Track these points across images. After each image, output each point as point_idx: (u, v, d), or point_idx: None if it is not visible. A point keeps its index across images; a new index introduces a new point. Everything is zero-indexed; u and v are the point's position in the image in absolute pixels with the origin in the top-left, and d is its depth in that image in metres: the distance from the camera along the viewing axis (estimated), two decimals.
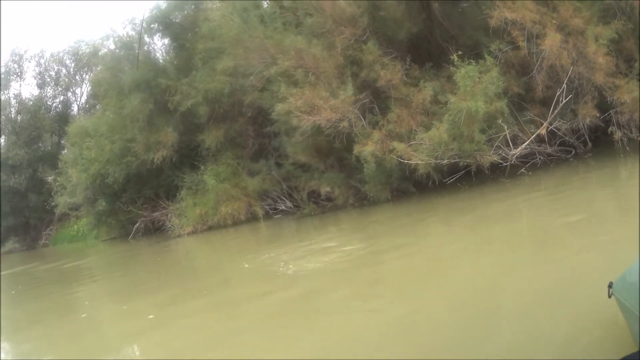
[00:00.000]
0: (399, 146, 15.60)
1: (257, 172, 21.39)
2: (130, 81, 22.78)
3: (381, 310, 7.24)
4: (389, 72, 16.53)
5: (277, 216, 20.74)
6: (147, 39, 24.79)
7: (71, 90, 45.61)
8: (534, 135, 15.55)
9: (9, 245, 43.86)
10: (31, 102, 44.21)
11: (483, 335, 5.54)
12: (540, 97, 16.00)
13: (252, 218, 20.88)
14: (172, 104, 21.60)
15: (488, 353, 5.07)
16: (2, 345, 9.45)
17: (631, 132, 15.11)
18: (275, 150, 21.43)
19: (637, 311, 3.68)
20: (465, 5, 19.58)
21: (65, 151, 36.08)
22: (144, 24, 24.04)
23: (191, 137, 22.93)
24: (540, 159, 15.97)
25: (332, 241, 13.17)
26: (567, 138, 16.03)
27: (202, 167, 21.83)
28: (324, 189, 18.64)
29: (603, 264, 6.51)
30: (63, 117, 42.77)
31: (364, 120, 16.73)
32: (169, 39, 23.94)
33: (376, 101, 17.16)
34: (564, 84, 15.01)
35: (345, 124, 16.28)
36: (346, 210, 18.13)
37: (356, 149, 16.17)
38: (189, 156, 23.25)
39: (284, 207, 20.71)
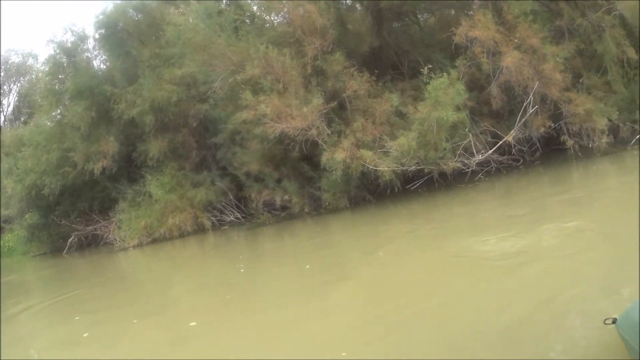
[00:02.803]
0: (367, 154, 16.54)
1: (200, 184, 21.37)
2: (73, 88, 22.18)
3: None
4: (356, 83, 17.46)
5: (224, 227, 20.86)
6: (89, 46, 24.12)
7: None
8: (502, 142, 17.09)
9: None
10: None
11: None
12: (492, 110, 17.59)
13: (199, 230, 20.78)
14: (117, 112, 21.36)
15: None
16: None
17: (582, 140, 16.92)
18: (217, 161, 21.61)
19: (638, 347, 3.88)
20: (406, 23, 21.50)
21: None
22: (84, 30, 23.87)
23: (130, 148, 22.71)
24: (494, 166, 17.41)
25: None
26: (519, 147, 17.55)
27: (148, 177, 21.50)
28: (280, 198, 18.99)
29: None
30: None
31: (329, 129, 17.43)
32: (113, 45, 23.31)
33: (339, 111, 17.99)
34: (531, 96, 16.70)
35: (313, 131, 16.97)
36: (302, 218, 18.63)
37: (325, 157, 16.83)
38: (126, 168, 22.96)
39: (232, 218, 20.90)
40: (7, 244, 33.08)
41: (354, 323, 7.34)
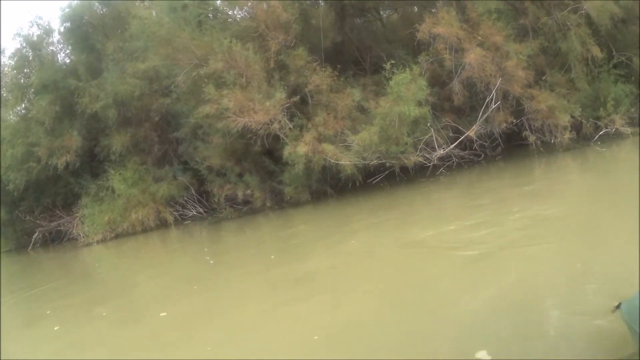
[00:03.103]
0: (329, 148, 16.85)
1: (162, 178, 21.71)
2: (38, 82, 22.40)
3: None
4: (318, 77, 17.76)
5: (186, 222, 21.18)
6: (54, 39, 24.39)
7: None
8: (464, 137, 17.51)
9: None
10: None
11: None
12: (453, 105, 17.92)
13: (162, 224, 21.05)
14: (80, 106, 21.54)
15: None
16: None
17: (544, 136, 17.29)
18: (178, 156, 22.03)
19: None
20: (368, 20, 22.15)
21: None
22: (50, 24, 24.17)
23: (93, 142, 23.01)
24: (455, 161, 17.82)
25: None
26: (481, 142, 17.96)
27: (111, 172, 21.71)
28: (242, 192, 19.29)
29: None
30: None
31: (290, 123, 17.75)
32: (78, 39, 23.58)
33: (301, 105, 18.32)
34: (493, 92, 17.01)
35: (275, 125, 17.26)
36: (264, 212, 18.96)
37: (287, 151, 17.13)
38: (89, 162, 23.24)
39: (194, 213, 21.27)
40: None
41: (319, 309, 7.67)
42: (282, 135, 17.42)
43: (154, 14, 20.07)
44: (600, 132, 17.25)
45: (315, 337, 6.55)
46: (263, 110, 17.08)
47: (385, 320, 6.70)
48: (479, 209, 11.79)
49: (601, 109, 17.37)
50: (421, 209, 14.09)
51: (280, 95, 17.32)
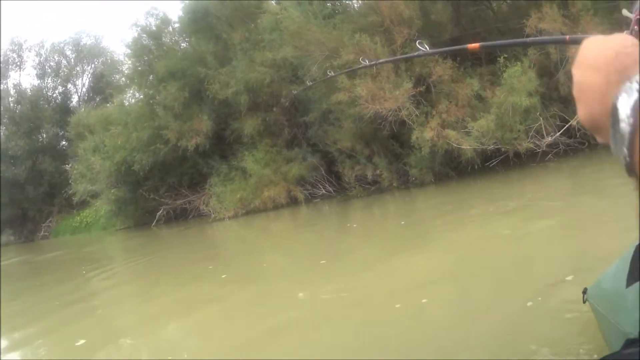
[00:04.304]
0: (451, 133, 20.54)
1: (292, 159, 25.63)
2: (164, 70, 26.63)
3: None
4: (441, 69, 21.53)
5: (315, 200, 25.18)
6: (171, 29, 29.16)
7: (71, 81, 49.33)
8: (568, 125, 20.89)
9: (3, 237, 46.04)
10: (30, 93, 47.54)
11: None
12: (560, 95, 21.38)
13: (292, 202, 24.92)
14: (210, 92, 25.72)
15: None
16: None
17: None
18: (307, 139, 26.17)
19: (611, 317, 3.84)
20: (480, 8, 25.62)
21: (65, 142, 39.40)
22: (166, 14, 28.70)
23: (221, 126, 27.19)
24: (562, 148, 21.14)
25: None
26: (584, 131, 20.93)
27: (245, 153, 25.73)
28: (371, 173, 23.15)
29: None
30: (63, 109, 46.35)
31: (417, 110, 21.48)
32: (201, 29, 27.76)
33: (425, 94, 21.98)
34: None
35: (404, 112, 21.04)
36: (390, 192, 22.58)
37: (414, 135, 20.94)
38: (217, 145, 27.43)
39: (324, 192, 25.38)
40: (85, 220, 37.89)
41: (432, 275, 8.68)
42: (408, 121, 20.95)
43: (278, 7, 24.16)
44: None
45: (424, 300, 7.35)
46: (392, 98, 20.58)
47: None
48: (582, 194, 14.11)
49: None
50: (533, 194, 15.89)
51: (407, 85, 20.82)
